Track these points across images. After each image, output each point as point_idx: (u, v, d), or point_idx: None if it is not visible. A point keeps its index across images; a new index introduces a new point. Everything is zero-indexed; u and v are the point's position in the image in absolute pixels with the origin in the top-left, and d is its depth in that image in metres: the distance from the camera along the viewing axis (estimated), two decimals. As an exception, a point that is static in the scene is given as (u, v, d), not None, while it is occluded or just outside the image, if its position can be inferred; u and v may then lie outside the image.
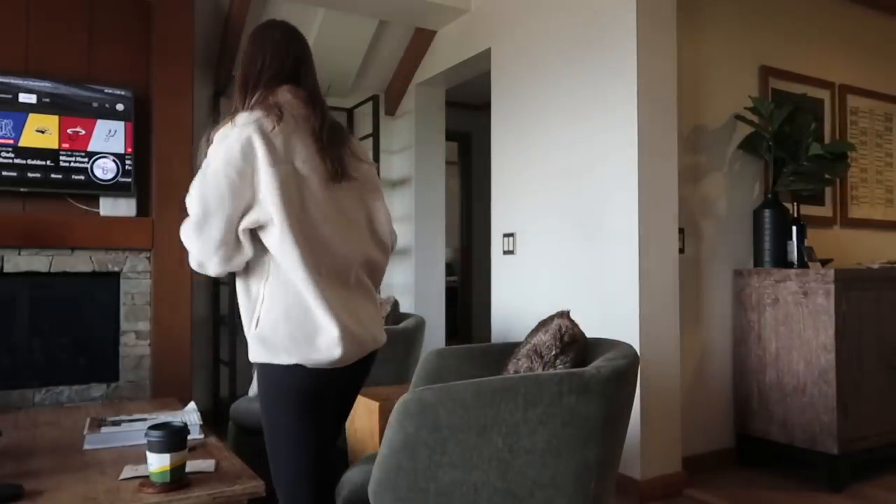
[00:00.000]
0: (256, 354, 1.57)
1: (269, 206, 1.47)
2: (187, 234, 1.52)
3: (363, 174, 1.67)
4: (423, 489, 1.52)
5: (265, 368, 1.58)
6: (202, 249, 1.50)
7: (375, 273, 1.70)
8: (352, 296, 1.58)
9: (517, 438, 1.52)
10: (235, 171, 1.47)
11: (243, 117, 1.52)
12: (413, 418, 1.52)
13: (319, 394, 1.56)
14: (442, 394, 1.52)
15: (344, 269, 1.57)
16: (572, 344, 1.81)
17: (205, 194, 1.49)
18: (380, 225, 1.70)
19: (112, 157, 3.49)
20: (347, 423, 2.67)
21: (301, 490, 1.58)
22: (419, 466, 1.51)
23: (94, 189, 3.47)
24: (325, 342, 1.50)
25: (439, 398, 1.52)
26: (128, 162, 3.53)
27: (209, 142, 1.57)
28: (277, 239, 1.48)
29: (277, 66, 1.62)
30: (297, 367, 1.51)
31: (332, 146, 1.58)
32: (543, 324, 1.93)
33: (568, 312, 1.89)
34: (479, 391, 1.53)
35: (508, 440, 1.52)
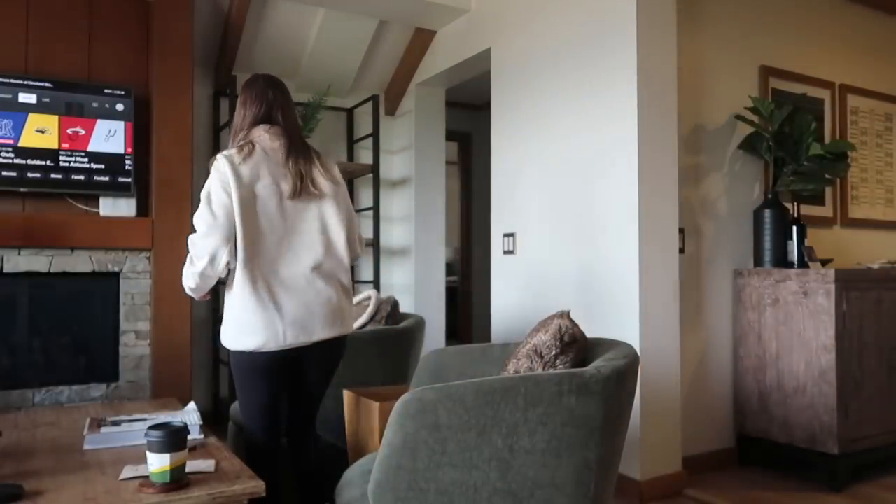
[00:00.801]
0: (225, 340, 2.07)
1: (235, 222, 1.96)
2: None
3: (326, 190, 2.09)
4: (423, 489, 1.52)
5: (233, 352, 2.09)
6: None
7: (332, 277, 2.07)
8: (295, 295, 2.00)
9: (517, 438, 1.52)
10: (220, 201, 1.97)
11: (221, 155, 2.01)
12: (413, 418, 1.52)
13: (262, 369, 2.04)
14: (442, 394, 1.52)
15: (290, 274, 2.01)
16: (572, 344, 1.81)
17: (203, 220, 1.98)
18: (334, 235, 2.08)
19: (112, 158, 3.50)
20: (347, 423, 2.67)
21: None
22: (419, 466, 1.51)
23: (94, 189, 3.47)
24: (252, 334, 1.98)
25: (439, 398, 1.52)
26: (128, 162, 3.53)
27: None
28: (236, 247, 1.97)
29: (255, 112, 2.09)
30: (247, 352, 2.01)
31: (296, 168, 2.03)
32: (544, 324, 1.93)
33: (568, 312, 1.89)
34: (479, 391, 1.53)
35: (508, 440, 1.52)
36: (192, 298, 3.68)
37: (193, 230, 2.00)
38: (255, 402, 2.09)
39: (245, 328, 1.97)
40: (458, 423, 1.51)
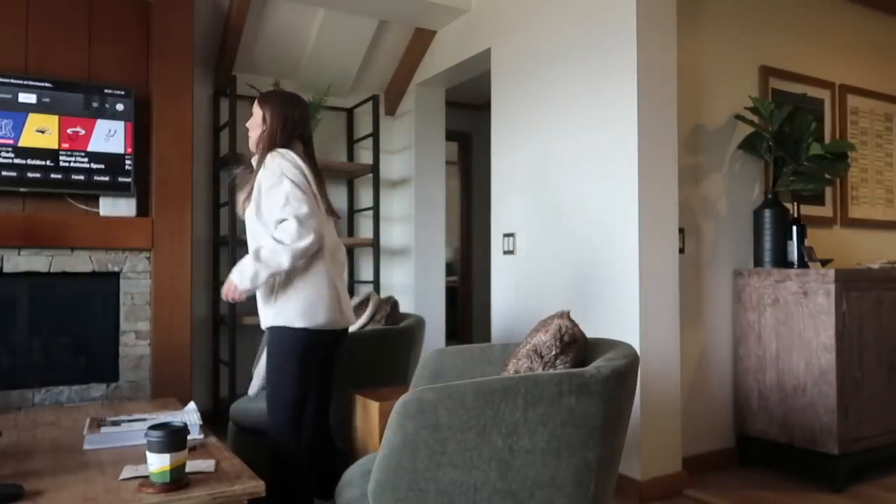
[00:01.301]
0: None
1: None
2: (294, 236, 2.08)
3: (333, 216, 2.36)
4: (423, 489, 1.52)
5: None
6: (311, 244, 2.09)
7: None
8: (341, 282, 2.29)
9: (517, 438, 1.52)
10: (306, 186, 2.14)
11: (284, 150, 2.19)
12: (413, 418, 1.52)
13: (317, 348, 2.23)
14: (442, 394, 1.52)
15: (338, 262, 2.30)
16: (572, 344, 1.81)
17: (297, 205, 2.10)
18: (341, 254, 2.37)
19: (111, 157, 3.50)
20: (347, 423, 2.67)
21: None
22: (419, 466, 1.51)
23: (94, 189, 3.47)
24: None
25: (439, 398, 1.52)
26: (128, 162, 3.53)
27: (241, 180, 2.28)
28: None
29: (291, 128, 2.25)
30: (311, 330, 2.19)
31: (322, 189, 2.25)
32: (544, 324, 1.93)
33: (568, 312, 1.89)
34: (479, 391, 1.53)
35: (508, 440, 1.52)
36: (191, 298, 3.71)
37: (287, 212, 2.08)
38: (293, 392, 2.16)
39: (317, 305, 2.14)
40: (458, 423, 1.51)
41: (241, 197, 2.23)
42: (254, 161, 2.27)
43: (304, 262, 2.13)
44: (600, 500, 1.65)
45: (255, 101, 2.32)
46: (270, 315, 2.18)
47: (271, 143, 2.21)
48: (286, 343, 2.15)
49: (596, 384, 1.57)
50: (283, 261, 2.07)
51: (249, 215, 2.20)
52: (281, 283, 2.15)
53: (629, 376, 1.69)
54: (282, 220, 2.09)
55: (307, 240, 2.06)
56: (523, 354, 1.85)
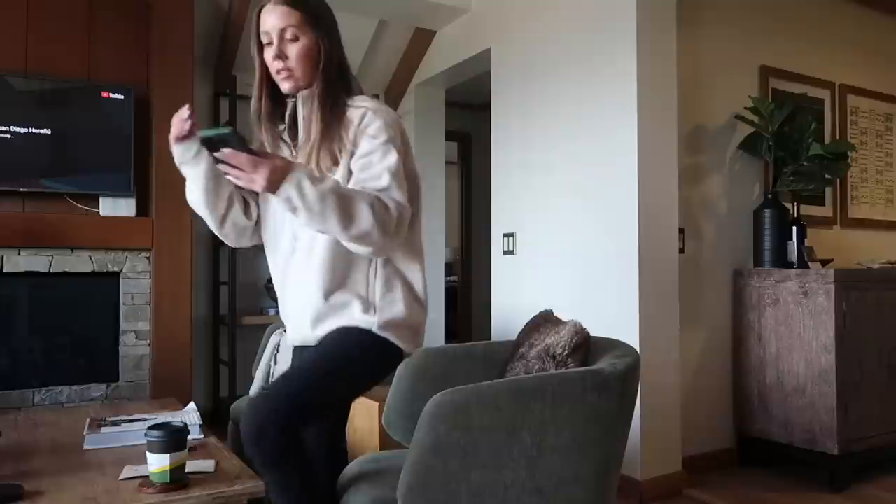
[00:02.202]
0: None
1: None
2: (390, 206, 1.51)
3: None
4: (454, 491, 1.53)
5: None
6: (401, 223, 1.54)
7: None
8: None
9: (545, 436, 1.55)
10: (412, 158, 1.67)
11: (377, 103, 1.63)
12: (445, 420, 1.52)
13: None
14: (475, 394, 1.53)
15: None
16: (581, 345, 1.85)
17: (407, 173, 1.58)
18: None
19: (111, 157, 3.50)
20: (347, 424, 2.67)
21: None
22: (451, 468, 1.52)
23: (94, 189, 3.47)
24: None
25: (472, 399, 1.53)
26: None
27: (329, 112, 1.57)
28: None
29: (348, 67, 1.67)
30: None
31: None
32: (543, 325, 1.94)
33: (551, 311, 1.92)
34: (510, 391, 1.56)
35: (536, 438, 1.55)
36: (191, 298, 3.71)
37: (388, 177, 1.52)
38: (341, 395, 1.70)
39: (423, 325, 1.72)
40: (490, 423, 1.52)
41: (312, 159, 1.55)
42: (303, 108, 1.61)
43: (415, 266, 1.72)
44: (612, 494, 1.69)
45: (287, 10, 1.55)
46: (359, 314, 1.61)
47: (346, 86, 1.61)
48: (374, 356, 1.64)
49: (615, 381, 1.61)
50: (389, 230, 1.49)
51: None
52: (389, 278, 1.66)
53: (636, 373, 1.75)
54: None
55: (400, 236, 1.56)
56: (534, 356, 1.87)
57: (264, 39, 1.58)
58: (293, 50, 1.55)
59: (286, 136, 1.67)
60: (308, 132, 1.58)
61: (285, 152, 1.65)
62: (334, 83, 1.58)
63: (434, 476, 1.52)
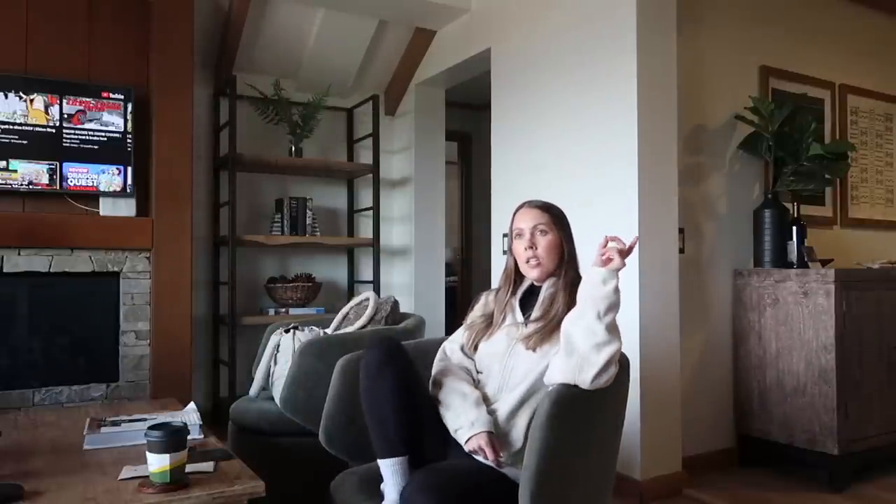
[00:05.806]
0: None
1: None
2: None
3: None
4: (572, 483, 1.64)
5: None
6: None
7: None
8: None
9: (603, 422, 1.72)
10: None
11: None
12: (565, 420, 1.58)
13: None
14: (584, 394, 1.60)
15: None
16: None
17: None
18: None
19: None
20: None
21: None
22: (566, 465, 1.60)
23: (94, 189, 3.47)
24: None
25: (583, 397, 1.60)
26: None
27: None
28: None
29: None
30: None
31: None
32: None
33: None
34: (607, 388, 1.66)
35: (599, 426, 1.71)
36: (191, 298, 3.72)
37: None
38: None
39: None
40: (589, 418, 1.65)
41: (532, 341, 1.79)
42: (546, 290, 1.88)
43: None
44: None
45: (539, 212, 1.94)
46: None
47: (579, 278, 1.81)
48: None
49: (626, 362, 1.73)
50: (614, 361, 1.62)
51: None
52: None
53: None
54: None
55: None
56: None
57: (517, 234, 1.93)
58: (542, 242, 1.89)
59: (517, 310, 1.90)
60: (547, 310, 1.84)
61: (507, 320, 1.90)
62: (576, 276, 1.87)
63: (554, 476, 1.60)
